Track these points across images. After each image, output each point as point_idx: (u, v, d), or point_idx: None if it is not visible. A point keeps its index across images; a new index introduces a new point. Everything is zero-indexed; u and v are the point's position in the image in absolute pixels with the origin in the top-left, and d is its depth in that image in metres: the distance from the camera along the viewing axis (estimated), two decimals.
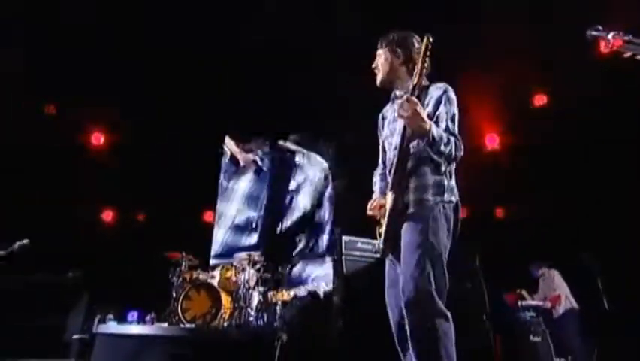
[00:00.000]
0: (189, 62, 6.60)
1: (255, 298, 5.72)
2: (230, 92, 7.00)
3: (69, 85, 6.57)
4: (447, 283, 1.82)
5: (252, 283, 5.80)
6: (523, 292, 5.71)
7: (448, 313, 1.75)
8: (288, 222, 7.70)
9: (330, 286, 5.00)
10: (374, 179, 2.29)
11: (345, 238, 4.51)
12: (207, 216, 8.43)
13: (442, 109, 1.93)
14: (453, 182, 2.02)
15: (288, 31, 5.96)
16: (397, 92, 2.11)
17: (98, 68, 6.46)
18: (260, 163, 8.23)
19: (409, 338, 1.73)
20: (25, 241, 4.64)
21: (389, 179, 2.00)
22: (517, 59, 5.93)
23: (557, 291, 5.55)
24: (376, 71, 2.13)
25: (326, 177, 7.64)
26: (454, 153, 1.85)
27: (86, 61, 6.33)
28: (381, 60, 2.10)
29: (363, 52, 2.40)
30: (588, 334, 5.43)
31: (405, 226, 1.87)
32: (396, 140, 1.97)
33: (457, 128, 1.95)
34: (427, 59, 1.85)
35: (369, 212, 2.11)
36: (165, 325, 5.51)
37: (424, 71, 1.85)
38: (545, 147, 6.57)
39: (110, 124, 7.65)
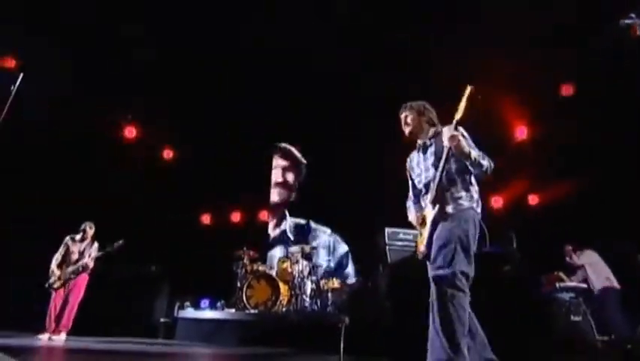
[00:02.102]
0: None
1: (309, 286, 5.87)
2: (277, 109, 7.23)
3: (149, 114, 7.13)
4: (472, 271, 2.02)
5: (306, 273, 5.96)
6: (561, 274, 5.42)
7: (466, 289, 1.97)
8: None
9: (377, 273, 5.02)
10: (407, 205, 2.58)
11: (388, 230, 4.52)
12: (262, 215, 8.71)
13: (468, 142, 2.20)
14: (478, 196, 2.27)
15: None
16: (420, 142, 2.44)
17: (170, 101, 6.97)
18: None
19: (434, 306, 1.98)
20: (121, 242, 5.11)
21: (424, 202, 2.33)
22: (543, 50, 5.66)
23: (588, 267, 5.30)
24: (405, 127, 2.47)
25: None
26: (490, 165, 2.15)
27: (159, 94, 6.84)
28: (410, 119, 2.45)
29: None
30: (630, 311, 5.08)
31: (440, 226, 2.15)
32: (428, 173, 2.31)
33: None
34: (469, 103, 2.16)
35: (415, 224, 2.43)
36: (233, 310, 5.79)
37: (462, 113, 2.16)
38: (575, 134, 6.22)
39: (176, 141, 8.16)
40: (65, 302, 4.87)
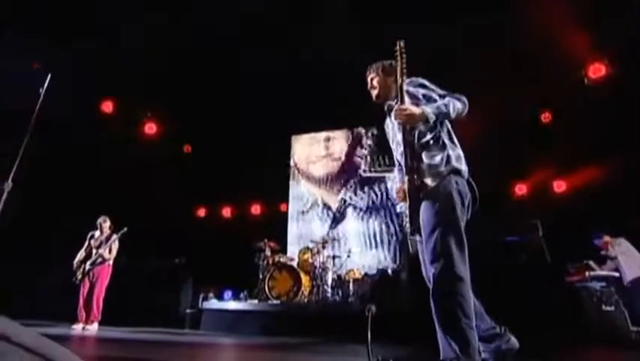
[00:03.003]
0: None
1: (330, 276, 5.90)
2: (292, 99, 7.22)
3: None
4: (465, 252, 1.84)
5: (327, 263, 5.99)
6: (591, 263, 5.24)
7: (465, 277, 1.78)
8: None
9: (397, 263, 5.02)
10: (394, 174, 2.51)
11: None
12: (283, 207, 8.78)
13: (424, 92, 2.10)
14: (459, 151, 2.08)
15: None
16: (389, 103, 2.27)
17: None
18: None
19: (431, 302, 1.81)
20: (125, 229, 5.37)
21: (403, 168, 2.12)
22: (572, 31, 5.43)
23: (621, 257, 5.07)
24: (372, 90, 2.34)
25: None
26: (460, 106, 2.00)
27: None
28: (376, 81, 2.32)
29: None
30: None
31: (422, 204, 1.95)
32: (400, 137, 2.13)
33: (444, 91, 2.09)
34: (403, 61, 2.06)
35: (396, 198, 2.24)
36: (256, 301, 5.90)
37: (404, 72, 2.06)
38: (601, 119, 5.96)
39: (197, 138, 8.31)
40: (91, 293, 5.13)
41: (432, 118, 1.95)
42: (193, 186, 8.19)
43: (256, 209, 8.83)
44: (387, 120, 2.34)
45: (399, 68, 2.07)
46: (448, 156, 1.99)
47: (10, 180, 2.73)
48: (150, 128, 7.98)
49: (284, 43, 6.34)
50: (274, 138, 8.14)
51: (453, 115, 1.99)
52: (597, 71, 6.09)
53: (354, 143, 8.55)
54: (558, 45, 5.59)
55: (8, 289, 5.84)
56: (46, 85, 3.18)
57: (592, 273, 4.98)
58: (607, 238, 5.36)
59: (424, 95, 2.09)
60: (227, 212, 9.00)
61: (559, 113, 6.75)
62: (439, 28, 5.54)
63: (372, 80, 2.32)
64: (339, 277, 5.91)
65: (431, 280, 1.83)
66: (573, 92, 6.30)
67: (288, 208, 8.59)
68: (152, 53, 6.28)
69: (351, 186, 8.18)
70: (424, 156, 2.00)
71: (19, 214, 5.37)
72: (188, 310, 6.31)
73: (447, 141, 2.04)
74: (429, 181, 1.96)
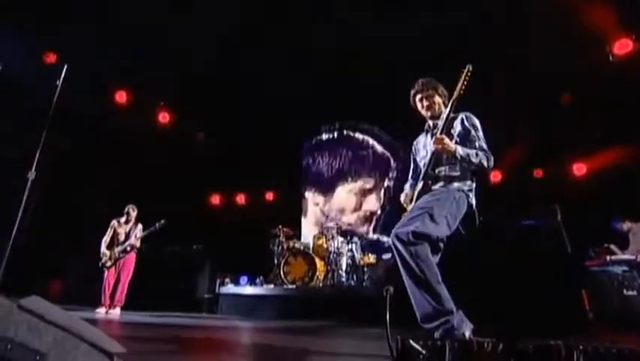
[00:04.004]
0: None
1: (345, 261, 5.96)
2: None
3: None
4: (436, 233, 2.00)
5: (341, 249, 6.05)
6: (612, 247, 5.13)
7: (425, 243, 1.95)
8: None
9: None
10: (404, 188, 2.57)
11: None
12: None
13: (473, 134, 2.26)
14: (474, 185, 2.28)
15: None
16: (431, 123, 2.45)
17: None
18: None
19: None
20: (163, 221, 5.48)
21: (421, 174, 2.32)
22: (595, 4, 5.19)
23: None
24: (428, 109, 2.44)
25: None
26: (485, 163, 2.16)
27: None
28: (434, 100, 2.42)
29: None
30: None
31: (425, 196, 2.18)
32: (429, 149, 2.33)
33: (485, 145, 2.24)
34: (464, 85, 2.18)
35: (402, 203, 2.43)
36: (272, 286, 6.02)
37: (461, 97, 2.19)
38: (626, 98, 5.72)
39: (209, 123, 8.37)
40: (117, 280, 5.32)
41: (458, 157, 2.15)
42: (207, 173, 8.30)
43: (270, 195, 8.92)
44: (422, 137, 2.52)
45: (457, 92, 2.19)
46: (465, 182, 2.22)
47: (33, 170, 2.83)
48: (164, 117, 8.08)
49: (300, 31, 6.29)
50: (287, 128, 8.12)
51: (474, 167, 2.19)
52: (624, 46, 5.81)
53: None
54: (581, 20, 5.36)
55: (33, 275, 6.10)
56: (62, 76, 3.25)
57: (613, 257, 4.88)
58: (628, 223, 5.23)
59: (467, 138, 2.26)
60: (241, 199, 9.12)
61: (580, 92, 6.51)
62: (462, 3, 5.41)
63: (429, 97, 2.41)
64: (353, 262, 5.97)
65: (397, 238, 1.98)
66: (597, 70, 6.05)
67: (303, 197, 8.67)
68: (163, 42, 6.30)
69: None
70: (447, 168, 2.23)
71: (44, 202, 5.59)
72: (205, 295, 6.50)
73: (468, 173, 2.25)
74: (437, 186, 2.21)
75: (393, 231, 2.04)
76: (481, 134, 2.29)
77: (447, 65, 2.41)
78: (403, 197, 2.47)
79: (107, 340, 0.81)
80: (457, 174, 2.22)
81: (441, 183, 2.22)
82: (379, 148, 8.18)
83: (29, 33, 5.68)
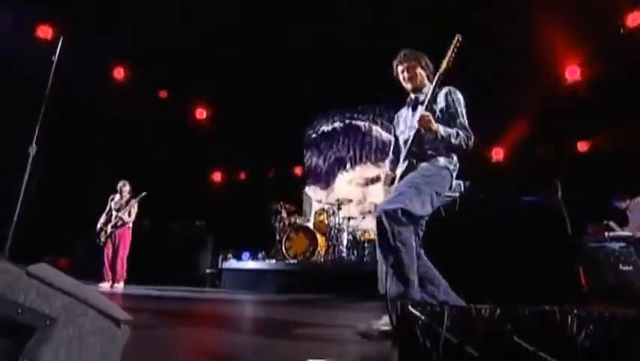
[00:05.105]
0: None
1: (345, 237, 6.04)
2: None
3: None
4: (421, 211, 1.97)
5: (342, 224, 6.11)
6: (612, 224, 5.16)
7: (410, 226, 1.90)
8: None
9: None
10: (385, 166, 2.48)
11: None
12: (297, 170, 8.86)
13: (452, 110, 2.16)
14: (457, 164, 2.22)
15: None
16: (412, 96, 2.32)
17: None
18: None
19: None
20: (143, 193, 5.55)
21: (401, 157, 2.24)
22: None
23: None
24: (409, 81, 2.30)
25: None
26: (464, 144, 2.09)
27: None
28: (416, 71, 2.28)
29: None
30: None
31: (411, 173, 2.10)
32: (411, 132, 2.21)
33: (467, 122, 2.15)
34: (453, 57, 2.06)
35: (384, 187, 2.33)
36: (273, 261, 6.13)
37: (449, 69, 2.07)
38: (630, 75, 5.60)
39: (211, 101, 8.28)
40: (115, 255, 5.41)
41: (439, 137, 2.05)
42: (209, 150, 8.28)
43: (271, 172, 8.92)
44: (404, 110, 2.40)
45: (444, 64, 2.07)
46: (450, 160, 2.15)
47: (34, 144, 2.83)
48: (163, 94, 7.98)
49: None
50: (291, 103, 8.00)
51: (454, 147, 2.10)
52: (637, 19, 5.61)
53: None
54: None
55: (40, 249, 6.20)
56: (58, 49, 3.18)
57: (612, 233, 4.93)
58: (627, 201, 5.25)
59: (450, 114, 2.15)
60: (242, 176, 9.14)
61: (588, 68, 6.38)
62: None
63: (410, 68, 2.26)
64: (354, 237, 6.04)
65: (385, 213, 1.91)
66: (607, 44, 5.90)
67: (302, 171, 8.67)
68: (164, 17, 6.15)
69: None
70: (431, 146, 2.13)
71: (46, 178, 5.61)
72: (208, 270, 6.63)
73: (452, 152, 2.17)
74: (422, 164, 2.12)
75: (379, 207, 1.99)
76: (463, 110, 2.19)
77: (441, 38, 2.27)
78: (384, 177, 2.37)
79: (114, 307, 0.84)
80: (443, 151, 2.15)
81: (426, 162, 2.14)
82: (384, 135, 7.86)
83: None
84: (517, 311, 0.63)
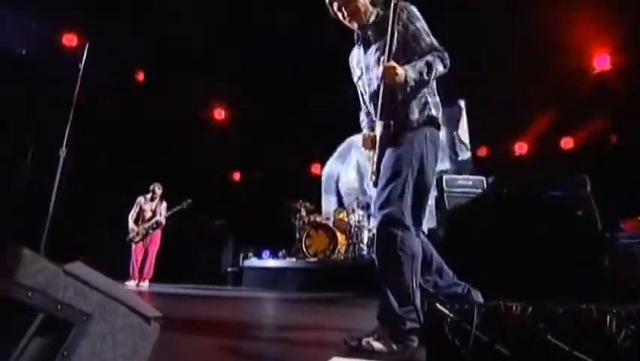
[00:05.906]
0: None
1: (366, 235, 6.01)
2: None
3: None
4: (422, 204, 1.74)
5: (362, 222, 6.08)
6: None
7: (411, 226, 1.64)
8: None
9: (434, 222, 4.99)
10: (360, 118, 2.11)
11: (446, 176, 4.41)
12: (314, 168, 8.87)
13: (411, 30, 1.73)
14: (437, 98, 1.84)
15: None
16: (358, 31, 1.89)
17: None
18: None
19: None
20: (190, 201, 5.68)
21: (372, 111, 1.88)
22: None
23: None
24: (353, 13, 1.84)
25: None
26: (440, 70, 1.71)
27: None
28: (356, 5, 1.82)
29: None
30: None
31: (388, 150, 1.75)
32: (371, 78, 1.84)
33: (433, 39, 1.75)
34: None
35: (364, 149, 1.96)
36: (294, 259, 6.16)
37: None
38: None
39: (229, 102, 8.40)
40: (145, 254, 5.57)
41: (410, 86, 1.67)
42: (228, 150, 8.39)
43: (291, 171, 8.96)
44: (356, 50, 1.95)
45: None
46: (426, 103, 1.77)
47: (64, 147, 2.94)
48: (185, 94, 8.13)
49: None
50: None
51: (432, 82, 1.76)
52: None
53: None
54: None
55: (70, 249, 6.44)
56: (85, 55, 3.29)
57: None
58: None
59: (412, 36, 1.73)
60: (261, 175, 9.21)
61: (614, 58, 6.11)
62: None
63: (348, 3, 1.79)
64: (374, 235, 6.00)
65: (379, 222, 1.67)
66: (633, 33, 5.64)
67: (320, 169, 8.68)
68: (183, 18, 6.28)
69: None
70: (399, 98, 1.75)
71: (74, 180, 5.81)
72: (229, 269, 6.73)
73: (426, 89, 1.78)
74: (400, 127, 1.74)
75: (376, 209, 1.72)
76: (424, 24, 1.77)
77: None
78: (362, 140, 1.95)
79: (144, 305, 0.86)
80: (415, 100, 1.76)
81: (401, 123, 1.75)
82: None
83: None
84: (550, 309, 0.61)
